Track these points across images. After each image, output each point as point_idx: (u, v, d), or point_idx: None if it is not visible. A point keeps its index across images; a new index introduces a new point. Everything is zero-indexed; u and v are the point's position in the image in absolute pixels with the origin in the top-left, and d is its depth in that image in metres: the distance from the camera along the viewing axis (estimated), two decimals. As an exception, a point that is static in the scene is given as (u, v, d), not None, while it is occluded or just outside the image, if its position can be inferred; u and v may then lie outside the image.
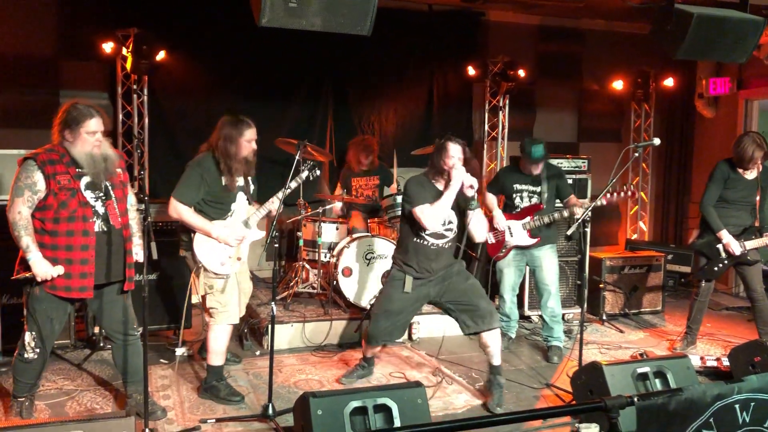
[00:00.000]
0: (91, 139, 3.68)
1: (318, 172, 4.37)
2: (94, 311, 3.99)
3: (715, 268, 5.20)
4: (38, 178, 3.60)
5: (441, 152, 4.21)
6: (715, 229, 5.13)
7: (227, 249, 4.20)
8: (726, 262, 5.16)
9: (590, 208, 4.48)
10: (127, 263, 3.87)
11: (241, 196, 4.28)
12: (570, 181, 6.32)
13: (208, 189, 4.15)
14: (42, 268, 3.59)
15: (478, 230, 4.28)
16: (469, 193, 4.10)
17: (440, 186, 4.24)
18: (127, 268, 3.87)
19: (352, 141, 6.89)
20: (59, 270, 3.62)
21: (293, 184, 4.25)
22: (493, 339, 4.33)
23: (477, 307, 4.26)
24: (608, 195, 4.76)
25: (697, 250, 5.33)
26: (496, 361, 4.38)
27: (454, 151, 4.18)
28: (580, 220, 4.52)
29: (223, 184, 4.17)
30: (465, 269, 4.52)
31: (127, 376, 4.01)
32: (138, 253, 3.92)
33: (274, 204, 4.30)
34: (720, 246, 5.13)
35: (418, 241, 4.27)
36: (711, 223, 5.16)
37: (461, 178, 4.08)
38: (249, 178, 4.37)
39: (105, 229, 3.75)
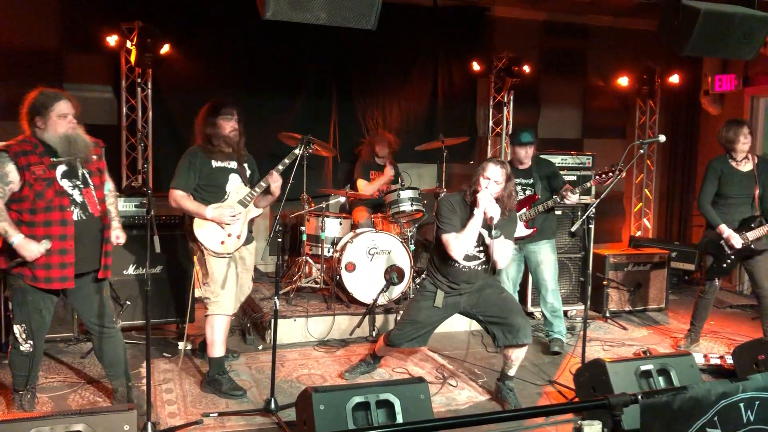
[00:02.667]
0: (63, 122, 3.65)
1: (310, 149, 4.38)
2: (77, 307, 3.93)
3: (724, 265, 5.17)
4: (10, 169, 3.56)
5: (479, 170, 4.11)
6: (713, 224, 5.12)
7: (225, 228, 4.28)
8: (733, 257, 5.13)
9: (595, 205, 4.47)
10: (104, 251, 3.83)
11: (234, 178, 4.37)
12: (574, 178, 6.34)
13: (199, 173, 4.28)
14: (28, 248, 3.53)
15: (501, 258, 4.12)
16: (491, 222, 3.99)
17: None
18: (103, 256, 3.82)
19: (374, 134, 6.96)
20: (46, 244, 3.55)
21: (287, 161, 4.30)
22: (518, 354, 4.25)
23: (508, 321, 4.15)
24: (596, 177, 4.84)
25: (703, 249, 5.32)
26: (512, 372, 4.33)
27: (492, 173, 4.04)
28: (584, 217, 4.51)
29: (213, 166, 4.30)
30: (499, 284, 4.47)
31: (108, 369, 4.00)
32: (119, 237, 3.88)
33: (272, 176, 4.29)
34: (723, 242, 5.11)
35: (450, 262, 4.17)
36: (709, 219, 5.15)
37: (484, 207, 3.98)
38: (245, 164, 4.44)
39: (84, 217, 3.71)
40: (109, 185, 3.98)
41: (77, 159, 3.70)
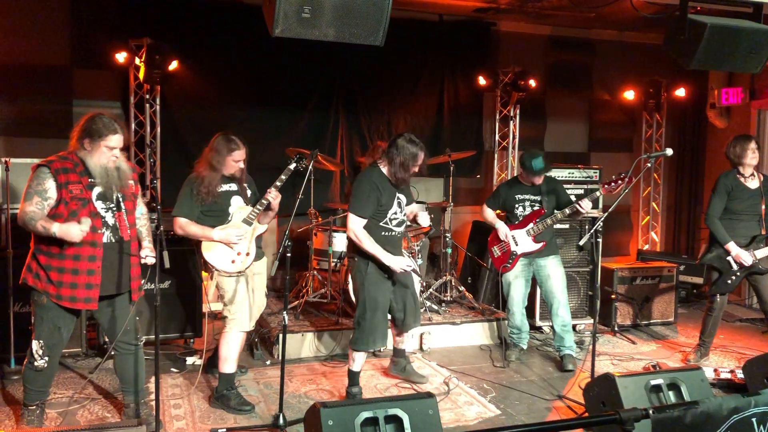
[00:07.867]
0: (108, 153, 3.69)
1: (304, 164, 4.40)
2: (102, 322, 3.98)
3: (729, 281, 5.15)
4: (50, 186, 3.60)
5: (408, 159, 4.46)
6: (722, 241, 5.09)
7: (233, 248, 4.32)
8: (738, 273, 5.11)
9: (603, 219, 4.47)
10: (133, 275, 3.88)
11: (236, 199, 4.39)
12: (581, 191, 6.36)
13: (202, 201, 4.30)
14: (69, 232, 3.49)
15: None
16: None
17: None
18: (132, 280, 3.88)
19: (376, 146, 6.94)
20: (85, 223, 3.53)
21: (284, 177, 4.34)
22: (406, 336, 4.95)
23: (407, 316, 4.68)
24: (606, 186, 4.86)
25: (708, 264, 5.29)
26: (402, 347, 4.97)
27: (419, 160, 4.45)
28: (592, 231, 4.52)
29: (216, 191, 4.32)
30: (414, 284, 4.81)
31: (123, 384, 4.03)
32: (148, 256, 3.92)
33: (271, 193, 4.32)
34: (730, 258, 5.08)
35: (386, 232, 4.55)
36: (717, 235, 5.12)
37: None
38: (245, 183, 4.47)
39: (114, 240, 3.75)
40: (142, 209, 4.02)
41: (112, 187, 3.74)
